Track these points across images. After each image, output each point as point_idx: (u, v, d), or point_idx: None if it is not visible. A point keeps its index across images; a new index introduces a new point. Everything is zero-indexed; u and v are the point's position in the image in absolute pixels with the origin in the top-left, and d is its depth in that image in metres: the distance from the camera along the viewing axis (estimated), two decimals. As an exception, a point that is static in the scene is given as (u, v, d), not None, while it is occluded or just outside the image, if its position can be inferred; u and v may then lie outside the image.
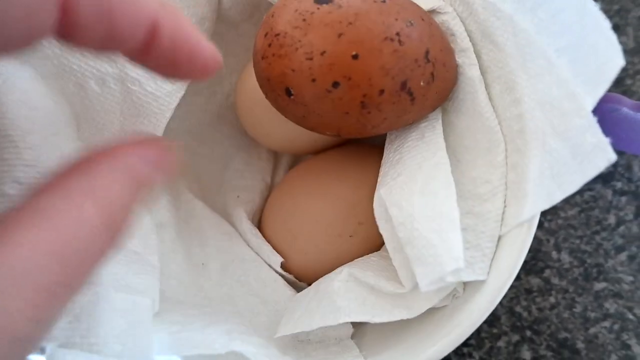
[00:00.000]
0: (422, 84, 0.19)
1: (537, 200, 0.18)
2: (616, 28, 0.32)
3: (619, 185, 0.30)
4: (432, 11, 0.21)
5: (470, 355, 0.29)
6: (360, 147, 0.26)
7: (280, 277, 0.25)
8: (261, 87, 0.20)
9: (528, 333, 0.28)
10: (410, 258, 0.18)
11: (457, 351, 0.29)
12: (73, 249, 0.11)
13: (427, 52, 0.19)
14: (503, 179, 0.20)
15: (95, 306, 0.16)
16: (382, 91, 0.18)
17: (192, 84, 0.25)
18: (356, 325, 0.23)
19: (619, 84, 0.31)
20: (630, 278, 0.28)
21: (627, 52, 0.32)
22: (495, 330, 0.29)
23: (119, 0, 0.12)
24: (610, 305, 0.28)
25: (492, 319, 0.29)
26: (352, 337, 0.22)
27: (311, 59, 0.17)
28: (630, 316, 0.28)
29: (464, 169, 0.21)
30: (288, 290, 0.24)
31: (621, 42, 0.32)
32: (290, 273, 0.25)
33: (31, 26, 0.11)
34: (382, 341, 0.21)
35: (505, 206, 0.20)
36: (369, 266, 0.21)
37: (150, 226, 0.21)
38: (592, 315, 0.28)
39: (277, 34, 0.18)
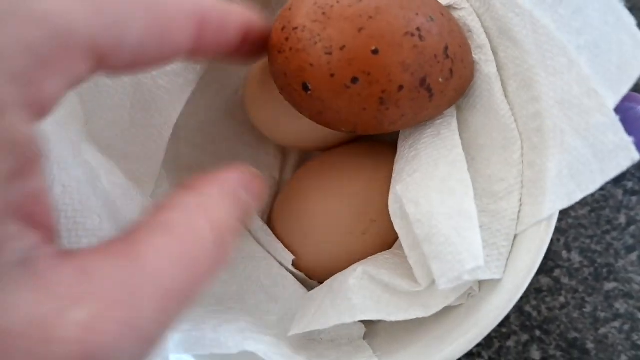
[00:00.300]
0: (440, 80, 0.19)
1: (555, 199, 0.18)
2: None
3: (629, 185, 0.30)
4: (449, 7, 0.21)
5: (479, 354, 0.28)
6: (372, 144, 0.26)
7: (291, 275, 0.24)
8: (276, 81, 0.19)
9: (537, 333, 0.28)
10: (428, 255, 0.18)
11: (466, 350, 0.29)
12: (193, 258, 0.12)
13: (446, 48, 0.18)
14: (519, 177, 0.20)
15: None
16: (401, 87, 0.18)
17: (202, 79, 0.24)
18: (368, 324, 0.22)
19: (631, 83, 0.31)
20: (641, 278, 0.28)
21: (638, 50, 0.31)
22: (504, 330, 0.29)
23: (226, 12, 0.15)
24: (621, 306, 0.28)
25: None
26: (365, 337, 0.22)
27: (330, 53, 0.17)
28: (641, 316, 0.28)
29: (478, 167, 0.21)
30: (299, 288, 0.24)
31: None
32: (301, 271, 0.24)
33: (171, 48, 0.13)
34: (396, 341, 0.21)
35: (521, 205, 0.20)
36: (383, 264, 0.21)
37: None
38: (602, 315, 0.28)
39: (295, 28, 0.18)
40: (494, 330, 0.29)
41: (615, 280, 0.29)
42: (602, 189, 0.30)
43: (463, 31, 0.20)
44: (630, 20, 0.17)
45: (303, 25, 0.18)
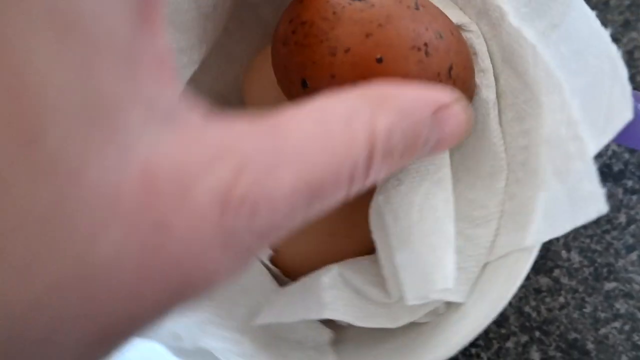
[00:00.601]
0: None
1: (528, 235, 0.18)
2: (627, 23, 0.32)
3: (629, 183, 0.30)
4: (458, 27, 0.21)
5: (478, 356, 0.28)
6: None
7: (265, 270, 0.24)
8: (276, 72, 0.19)
9: (537, 334, 0.28)
10: (400, 269, 0.18)
11: (465, 352, 0.28)
12: (333, 149, 0.11)
13: (450, 68, 0.18)
14: (500, 206, 0.20)
15: None
16: None
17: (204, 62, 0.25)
18: (337, 330, 0.22)
19: (631, 81, 0.31)
20: (642, 278, 0.28)
21: (638, 48, 0.31)
22: (503, 331, 0.28)
23: None
24: (621, 306, 0.28)
25: (501, 319, 0.29)
26: (331, 343, 0.22)
27: (334, 54, 0.17)
28: (642, 317, 0.28)
29: (462, 189, 0.21)
30: (271, 283, 0.24)
31: (632, 38, 0.32)
32: (278, 267, 0.24)
33: None
34: (361, 351, 0.21)
35: (496, 234, 0.20)
36: (359, 268, 0.21)
37: None
38: (603, 315, 0.28)
39: (304, 22, 0.17)
40: (493, 331, 0.29)
41: (616, 280, 0.28)
42: (601, 187, 0.30)
43: (470, 53, 0.21)
44: (624, 72, 0.17)
45: (312, 21, 0.17)
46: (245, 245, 0.10)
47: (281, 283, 0.24)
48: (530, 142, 0.19)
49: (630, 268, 0.28)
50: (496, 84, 0.21)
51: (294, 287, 0.21)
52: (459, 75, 0.19)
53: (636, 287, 0.28)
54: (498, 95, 0.21)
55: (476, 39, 0.21)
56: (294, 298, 0.20)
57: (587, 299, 0.28)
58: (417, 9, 0.18)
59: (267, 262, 0.24)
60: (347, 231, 0.23)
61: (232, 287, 0.24)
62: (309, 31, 0.17)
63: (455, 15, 0.21)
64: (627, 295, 0.28)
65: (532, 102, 0.19)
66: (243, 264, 0.11)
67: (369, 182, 0.12)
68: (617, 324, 0.28)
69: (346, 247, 0.23)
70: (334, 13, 0.17)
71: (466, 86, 0.20)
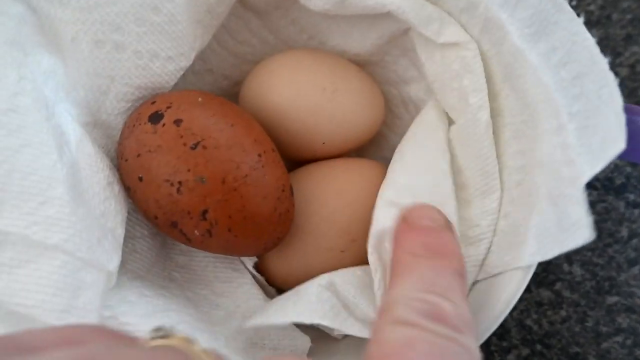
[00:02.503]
0: (196, 232, 0.20)
1: (521, 256, 0.19)
2: (629, 37, 0.32)
3: (632, 197, 0.30)
4: (455, 44, 0.21)
5: (479, 368, 0.28)
6: (360, 162, 0.25)
7: (249, 275, 0.24)
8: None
9: (538, 347, 0.28)
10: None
11: (466, 364, 0.28)
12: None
13: (205, 212, 0.20)
14: (492, 225, 0.20)
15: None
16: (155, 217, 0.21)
17: (200, 63, 0.25)
18: (313, 341, 0.22)
19: (632, 95, 0.31)
20: (644, 292, 0.28)
21: (639, 62, 0.31)
22: (505, 344, 0.28)
23: None
24: (623, 320, 0.28)
25: (502, 332, 0.29)
26: (310, 352, 0.22)
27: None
28: (644, 331, 0.27)
29: (459, 206, 0.21)
30: (254, 288, 0.24)
31: (633, 53, 0.32)
32: (268, 277, 0.24)
33: None
34: None
35: (487, 253, 0.20)
36: (352, 280, 0.20)
37: (119, 195, 0.21)
38: (604, 329, 0.28)
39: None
40: (494, 344, 0.28)
41: (618, 294, 0.28)
42: (603, 201, 0.30)
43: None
44: (620, 100, 0.17)
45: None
46: None
47: (265, 291, 0.24)
48: (526, 163, 0.19)
49: (632, 282, 0.28)
50: (494, 103, 0.21)
51: (288, 293, 0.21)
52: (217, 220, 0.20)
53: (638, 301, 0.28)
54: (496, 114, 0.21)
55: (472, 58, 0.21)
56: (287, 302, 0.20)
57: (589, 312, 0.28)
58: (193, 148, 0.19)
59: (252, 269, 0.24)
60: (344, 245, 0.23)
61: (213, 289, 0.23)
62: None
63: (455, 33, 0.21)
64: (629, 310, 0.28)
65: (530, 123, 0.19)
66: None
67: None
68: (619, 339, 0.28)
69: (343, 262, 0.22)
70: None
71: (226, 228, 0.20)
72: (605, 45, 0.32)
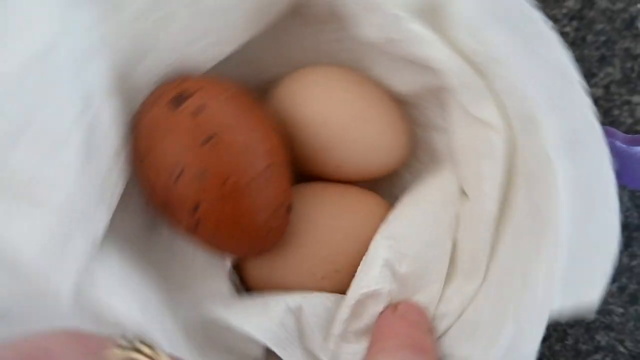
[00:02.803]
0: (183, 223, 0.20)
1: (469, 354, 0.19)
2: (603, 59, 0.32)
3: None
4: (486, 123, 0.20)
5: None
6: (367, 195, 0.25)
7: (226, 272, 0.23)
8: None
9: (519, 366, 0.28)
10: None
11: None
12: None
13: (196, 206, 0.19)
14: (460, 310, 0.20)
15: None
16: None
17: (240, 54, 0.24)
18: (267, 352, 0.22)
19: (607, 114, 0.32)
20: (621, 310, 0.28)
21: (614, 82, 0.32)
22: (485, 363, 0.28)
23: None
24: (602, 338, 0.28)
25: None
26: None
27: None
28: (622, 349, 0.28)
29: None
30: (226, 287, 0.23)
31: (607, 74, 0.33)
32: (244, 277, 0.24)
33: None
34: None
35: (444, 332, 0.20)
36: (320, 312, 0.21)
37: (123, 167, 0.20)
38: (584, 347, 0.28)
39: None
40: (475, 364, 0.28)
41: (596, 312, 0.28)
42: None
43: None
44: (616, 206, 0.17)
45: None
46: None
47: (236, 289, 0.24)
48: (515, 265, 0.19)
49: (610, 300, 0.28)
50: (509, 193, 0.20)
51: (257, 300, 0.21)
52: (207, 214, 0.19)
53: (616, 319, 0.28)
54: (506, 206, 0.20)
55: (498, 145, 0.20)
56: (252, 310, 0.20)
57: (568, 330, 0.28)
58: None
59: (229, 265, 0.23)
60: (326, 273, 0.22)
61: (189, 272, 0.23)
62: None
63: (490, 115, 0.20)
64: (608, 327, 0.28)
65: (534, 235, 0.19)
66: None
67: None
68: (598, 357, 0.28)
69: (318, 287, 0.22)
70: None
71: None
72: (580, 66, 0.32)
